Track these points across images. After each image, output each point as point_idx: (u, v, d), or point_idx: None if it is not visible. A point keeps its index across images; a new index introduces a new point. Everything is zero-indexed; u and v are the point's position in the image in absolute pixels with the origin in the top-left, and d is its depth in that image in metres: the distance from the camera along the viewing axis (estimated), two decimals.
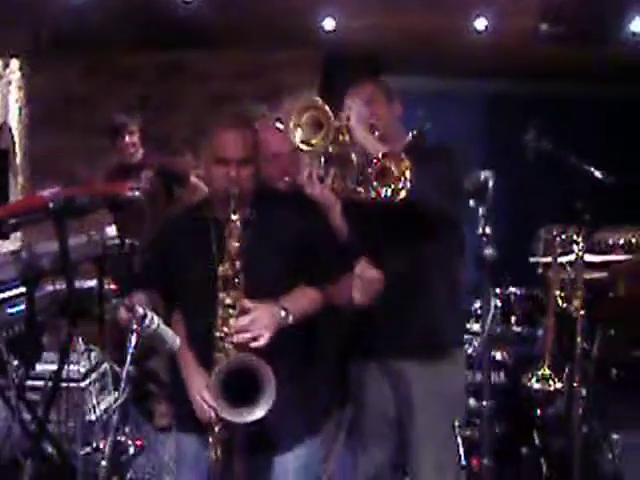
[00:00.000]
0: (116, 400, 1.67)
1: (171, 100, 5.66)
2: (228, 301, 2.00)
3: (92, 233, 3.29)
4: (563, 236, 3.57)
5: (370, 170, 2.09)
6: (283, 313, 2.04)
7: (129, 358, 1.63)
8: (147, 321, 1.67)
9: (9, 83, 5.86)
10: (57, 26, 4.92)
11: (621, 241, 5.11)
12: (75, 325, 3.21)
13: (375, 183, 2.07)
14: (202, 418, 2.07)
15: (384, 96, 2.43)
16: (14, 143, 5.78)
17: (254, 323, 1.98)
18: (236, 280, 2.01)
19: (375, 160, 2.09)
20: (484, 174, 3.35)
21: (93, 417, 3.65)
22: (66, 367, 3.14)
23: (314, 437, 2.19)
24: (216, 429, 2.01)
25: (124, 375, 1.63)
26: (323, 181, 2.15)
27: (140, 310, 1.66)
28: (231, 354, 1.98)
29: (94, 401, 3.71)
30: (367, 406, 2.43)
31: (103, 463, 1.74)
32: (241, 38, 5.25)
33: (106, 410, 3.73)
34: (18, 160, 5.87)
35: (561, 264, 3.67)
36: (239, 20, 4.98)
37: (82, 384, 3.60)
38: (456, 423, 2.41)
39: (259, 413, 1.91)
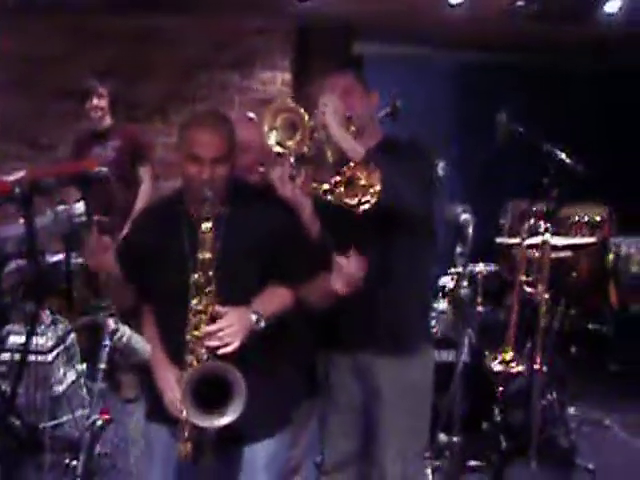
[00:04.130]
0: (89, 417, 1.68)
1: (141, 66, 5.54)
2: (200, 307, 2.00)
3: (59, 209, 3.25)
4: (530, 221, 3.61)
5: (339, 178, 2.09)
6: (255, 317, 2.04)
7: (101, 374, 1.63)
8: (118, 334, 1.67)
9: None
10: None
11: (585, 218, 5.21)
12: (42, 303, 3.20)
13: (339, 191, 2.07)
14: (172, 411, 2.08)
15: (360, 87, 2.39)
16: None
17: (225, 329, 1.99)
18: (208, 288, 2.00)
19: (345, 168, 2.08)
20: (464, 216, 3.39)
21: (60, 390, 3.66)
22: (33, 340, 3.14)
23: (284, 429, 2.21)
24: (186, 424, 2.03)
25: (95, 390, 1.64)
26: (294, 180, 2.13)
27: (112, 324, 1.65)
28: (202, 357, 1.99)
29: (61, 374, 3.71)
30: (334, 397, 2.46)
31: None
32: (215, 5, 5.13)
33: (73, 383, 3.74)
34: None
35: (528, 246, 3.72)
36: None
37: (49, 357, 3.59)
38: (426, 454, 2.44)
39: (228, 419, 1.93)
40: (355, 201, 2.05)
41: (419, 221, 2.30)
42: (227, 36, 5.62)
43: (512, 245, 4.23)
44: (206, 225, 2.00)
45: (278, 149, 2.14)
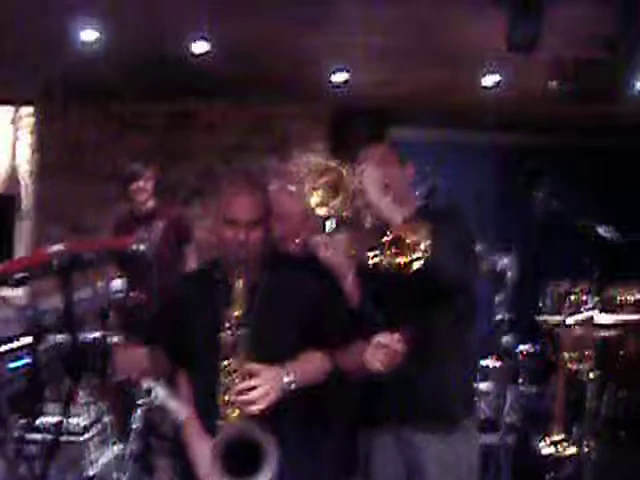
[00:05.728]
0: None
1: (181, 150, 5.70)
2: (229, 368, 1.98)
3: (98, 285, 3.27)
4: (572, 297, 3.54)
5: (385, 239, 2.06)
6: (287, 379, 2.00)
7: (133, 434, 1.59)
8: (153, 394, 1.63)
9: (19, 129, 5.93)
10: (69, 74, 4.98)
11: (631, 299, 5.05)
12: (78, 380, 3.17)
13: (388, 252, 2.03)
14: None
15: (395, 157, 2.40)
16: (22, 188, 5.82)
17: (257, 387, 1.95)
18: (238, 348, 1.98)
19: (391, 229, 2.06)
20: (502, 262, 3.35)
21: (92, 472, 3.58)
22: (66, 420, 3.10)
23: None
24: None
25: (128, 452, 1.59)
26: (336, 246, 2.12)
27: (145, 384, 1.62)
28: (234, 422, 1.94)
29: (93, 456, 3.64)
30: (376, 475, 2.36)
31: None
32: (251, 90, 5.30)
33: (106, 464, 3.66)
34: (27, 205, 5.90)
35: (571, 324, 3.63)
36: (250, 72, 5.03)
37: (82, 438, 3.53)
38: None
39: None
40: (405, 260, 2.01)
41: (460, 290, 2.24)
42: (264, 120, 5.78)
43: (555, 324, 4.13)
44: (239, 284, 2.00)
45: (319, 211, 2.13)
